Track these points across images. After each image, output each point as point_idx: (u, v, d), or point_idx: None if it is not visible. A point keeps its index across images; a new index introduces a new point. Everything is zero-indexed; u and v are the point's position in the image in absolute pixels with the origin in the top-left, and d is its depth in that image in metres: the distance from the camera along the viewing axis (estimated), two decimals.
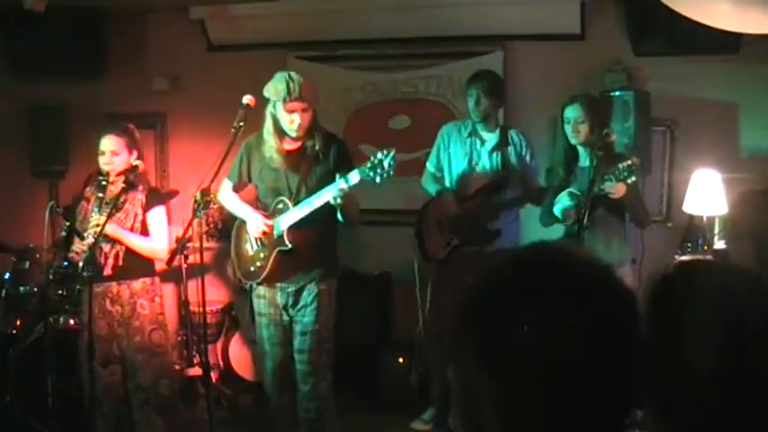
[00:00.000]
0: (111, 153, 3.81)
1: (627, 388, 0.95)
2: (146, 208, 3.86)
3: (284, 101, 3.52)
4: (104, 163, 3.82)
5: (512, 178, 4.30)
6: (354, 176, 3.41)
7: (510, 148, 4.33)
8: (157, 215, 3.91)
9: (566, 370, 0.90)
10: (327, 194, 3.47)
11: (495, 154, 4.33)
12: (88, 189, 3.94)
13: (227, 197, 3.87)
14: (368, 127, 4.49)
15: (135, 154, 3.87)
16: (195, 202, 3.51)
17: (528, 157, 4.38)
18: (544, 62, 5.04)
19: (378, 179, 3.35)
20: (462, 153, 4.36)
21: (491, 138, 4.35)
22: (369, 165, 3.37)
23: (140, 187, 3.87)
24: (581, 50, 4.91)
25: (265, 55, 5.27)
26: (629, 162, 3.52)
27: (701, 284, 1.13)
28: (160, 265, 3.99)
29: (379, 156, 3.35)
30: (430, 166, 4.49)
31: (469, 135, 4.36)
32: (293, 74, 3.59)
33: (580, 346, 0.91)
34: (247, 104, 3.60)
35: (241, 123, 3.56)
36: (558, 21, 4.91)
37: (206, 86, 5.50)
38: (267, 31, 5.38)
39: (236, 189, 3.87)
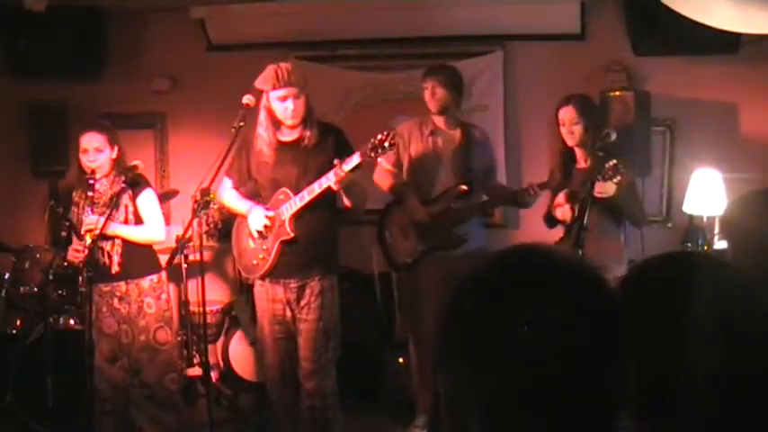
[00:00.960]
0: (95, 150, 3.77)
1: (620, 386, 0.96)
2: (133, 196, 3.83)
3: (275, 88, 3.55)
4: (88, 161, 3.77)
5: (477, 181, 4.24)
6: (355, 158, 3.43)
7: (474, 148, 4.27)
8: (146, 199, 3.86)
9: (565, 369, 0.90)
10: (327, 180, 3.49)
11: (458, 155, 4.23)
12: (75, 193, 3.92)
13: (227, 195, 3.87)
14: (368, 127, 4.48)
15: (116, 150, 3.84)
16: (195, 201, 3.52)
17: (488, 156, 4.36)
18: (544, 62, 5.04)
19: (380, 159, 3.40)
20: (424, 153, 4.25)
21: (453, 137, 4.26)
22: (369, 146, 3.41)
23: (123, 178, 3.81)
24: (581, 50, 4.92)
25: (265, 55, 5.24)
26: (614, 162, 3.50)
27: (675, 278, 1.14)
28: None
29: (380, 136, 3.41)
30: (385, 163, 4.31)
31: (431, 134, 4.26)
32: (281, 63, 3.64)
33: (579, 346, 0.91)
34: (247, 104, 3.61)
35: (241, 123, 3.58)
36: (557, 21, 4.91)
37: (206, 86, 5.50)
38: (267, 31, 5.38)
39: (238, 185, 3.86)
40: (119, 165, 3.85)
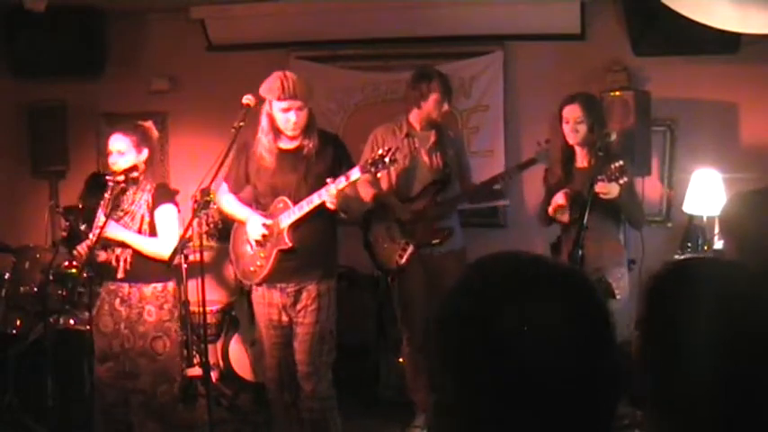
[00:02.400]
0: (117, 152, 3.67)
1: (614, 386, 0.96)
2: (152, 207, 3.71)
3: (279, 99, 3.54)
4: (111, 162, 3.71)
5: (453, 176, 4.29)
6: (355, 174, 3.46)
7: (448, 146, 4.31)
8: (165, 213, 3.72)
9: (559, 372, 0.91)
10: (324, 196, 3.50)
11: (433, 153, 4.28)
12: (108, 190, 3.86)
13: (225, 199, 3.86)
14: (368, 127, 4.49)
15: (146, 152, 3.72)
16: (195, 201, 3.52)
17: (463, 156, 4.42)
18: (544, 62, 5.04)
19: (379, 174, 3.41)
20: (400, 156, 4.20)
21: (428, 137, 4.30)
22: (369, 161, 3.44)
23: (147, 187, 3.73)
24: (581, 50, 4.92)
25: (265, 55, 5.27)
26: (620, 163, 3.49)
27: (696, 282, 1.14)
28: None
29: (380, 151, 3.44)
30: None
31: (406, 136, 4.27)
32: (288, 72, 3.61)
33: (573, 349, 0.92)
34: (247, 104, 3.61)
35: (241, 123, 3.57)
36: (558, 21, 4.91)
37: (206, 86, 5.50)
38: (267, 31, 5.38)
39: (236, 190, 3.86)
40: (148, 168, 3.76)
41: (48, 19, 4.77)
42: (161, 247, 3.65)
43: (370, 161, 3.42)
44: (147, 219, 3.70)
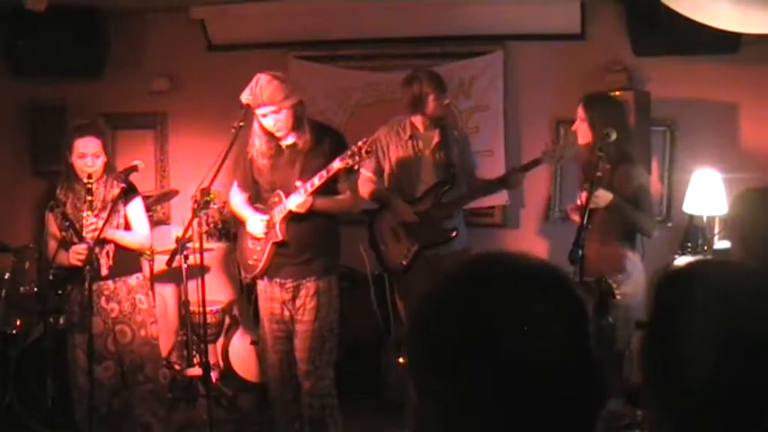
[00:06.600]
0: (93, 155, 3.77)
1: (597, 389, 0.97)
2: (125, 202, 3.87)
3: (253, 107, 3.54)
4: (86, 165, 3.77)
5: (458, 176, 4.28)
6: (336, 165, 3.47)
7: (453, 145, 4.29)
8: (136, 207, 3.93)
9: (539, 375, 0.92)
10: (319, 179, 3.53)
11: (438, 153, 4.27)
12: (60, 191, 3.91)
13: (236, 200, 3.91)
14: (368, 127, 4.49)
15: (108, 152, 3.90)
16: (195, 201, 3.53)
17: (468, 154, 4.40)
18: (544, 62, 5.04)
19: (357, 166, 3.47)
20: (404, 157, 4.26)
21: (431, 137, 4.29)
22: (348, 153, 3.44)
23: (114, 183, 3.85)
24: (581, 50, 4.92)
25: (265, 55, 5.27)
26: (599, 174, 3.39)
27: (702, 284, 1.13)
28: (159, 266, 3.98)
29: (359, 143, 3.43)
30: (366, 171, 4.25)
31: (410, 137, 4.26)
32: (262, 77, 3.53)
33: (554, 351, 0.93)
34: (247, 104, 3.61)
35: (241, 123, 3.58)
36: (558, 21, 4.92)
37: (206, 86, 5.50)
38: (267, 31, 5.38)
39: (245, 188, 3.87)
40: (110, 167, 3.88)
41: (48, 19, 4.76)
42: (142, 239, 3.95)
43: (349, 153, 3.43)
44: (122, 212, 3.87)
